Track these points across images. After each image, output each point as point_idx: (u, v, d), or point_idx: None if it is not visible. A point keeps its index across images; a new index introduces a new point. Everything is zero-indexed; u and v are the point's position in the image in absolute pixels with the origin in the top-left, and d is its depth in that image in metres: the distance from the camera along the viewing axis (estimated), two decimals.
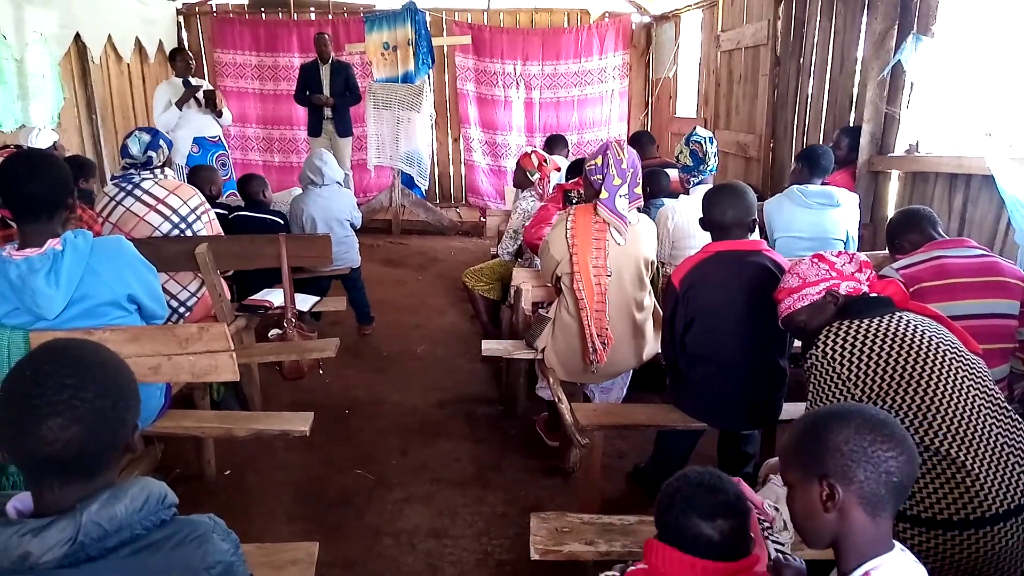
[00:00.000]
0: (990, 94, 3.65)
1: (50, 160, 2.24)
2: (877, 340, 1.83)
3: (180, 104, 6.21)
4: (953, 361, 1.80)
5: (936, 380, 1.76)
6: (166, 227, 3.32)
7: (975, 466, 1.70)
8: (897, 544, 1.27)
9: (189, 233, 3.37)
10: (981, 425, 1.74)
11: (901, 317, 1.88)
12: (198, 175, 4.35)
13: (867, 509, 1.24)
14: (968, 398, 1.76)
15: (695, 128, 3.90)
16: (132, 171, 3.34)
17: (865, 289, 2.03)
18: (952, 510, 1.70)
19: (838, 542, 1.27)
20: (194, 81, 6.38)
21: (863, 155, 4.48)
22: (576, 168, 4.06)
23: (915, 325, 1.86)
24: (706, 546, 1.46)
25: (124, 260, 2.28)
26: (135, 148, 3.32)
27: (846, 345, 1.85)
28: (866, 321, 1.87)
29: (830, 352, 1.87)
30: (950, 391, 1.76)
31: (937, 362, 1.79)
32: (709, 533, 1.46)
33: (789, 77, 5.61)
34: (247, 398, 3.63)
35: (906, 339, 1.82)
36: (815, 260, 2.11)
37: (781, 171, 5.66)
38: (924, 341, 1.82)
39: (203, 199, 3.51)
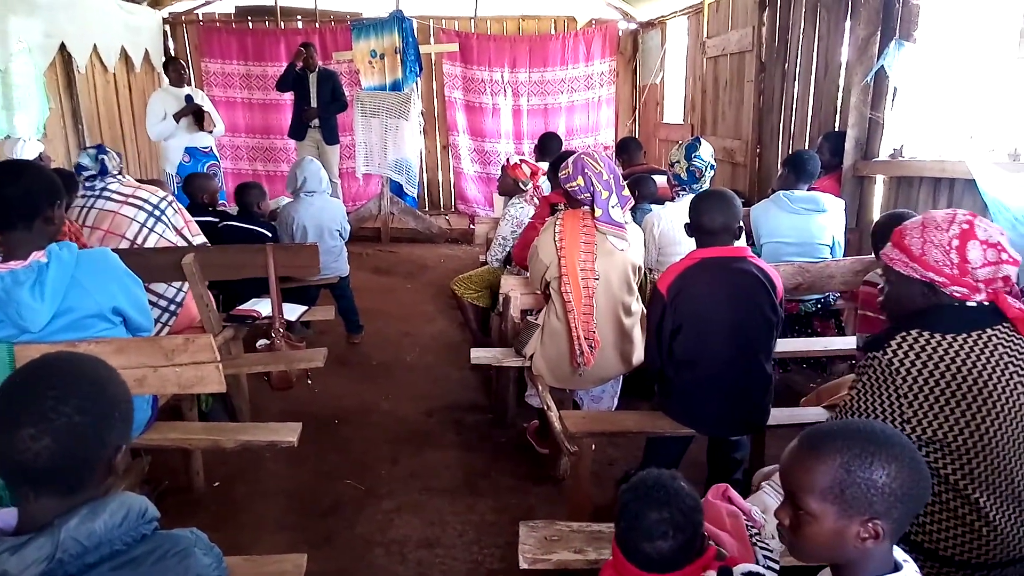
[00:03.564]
0: (972, 98, 3.68)
1: (30, 169, 2.24)
2: (951, 366, 1.67)
3: (178, 117, 6.22)
4: (1020, 399, 1.68)
5: (992, 424, 1.65)
6: (141, 216, 3.38)
7: (996, 515, 1.65)
8: (908, 564, 1.24)
9: (165, 219, 3.44)
10: (1019, 472, 1.66)
11: (988, 341, 1.69)
12: (192, 183, 4.38)
13: (892, 539, 1.21)
14: (1018, 443, 1.66)
15: (699, 142, 3.73)
16: (95, 180, 3.46)
17: (975, 302, 1.74)
18: (957, 550, 1.68)
19: (848, 563, 1.23)
20: (196, 98, 6.38)
21: (848, 160, 4.51)
22: (555, 167, 3.98)
23: (999, 352, 1.69)
24: (651, 563, 1.52)
25: (109, 272, 2.26)
26: (87, 160, 3.48)
27: (916, 362, 1.68)
28: (948, 338, 1.68)
29: (896, 363, 1.70)
30: (1001, 436, 1.65)
31: (1000, 402, 1.65)
32: (649, 552, 1.52)
33: (774, 83, 5.65)
34: (235, 409, 3.61)
35: (975, 368, 1.66)
36: (952, 247, 1.72)
37: (767, 176, 5.69)
38: (996, 374, 1.66)
39: (167, 192, 3.61)
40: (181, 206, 3.64)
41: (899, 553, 1.25)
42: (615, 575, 1.59)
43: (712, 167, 3.72)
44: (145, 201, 3.43)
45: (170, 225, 3.45)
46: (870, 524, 1.17)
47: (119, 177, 3.50)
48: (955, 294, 1.73)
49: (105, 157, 3.46)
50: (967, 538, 1.67)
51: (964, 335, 1.69)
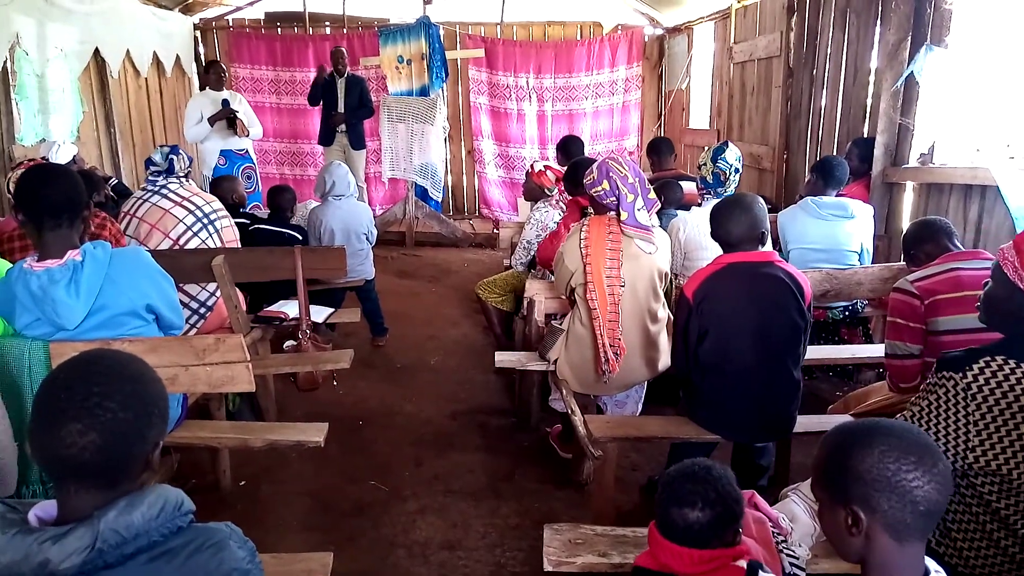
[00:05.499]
0: (1004, 105, 3.63)
1: (66, 171, 2.33)
2: None
3: (212, 121, 6.29)
4: None
5: None
6: (190, 220, 3.47)
7: None
8: (939, 573, 1.22)
9: (212, 228, 3.53)
10: None
11: None
12: (220, 185, 4.49)
13: (893, 536, 1.17)
14: None
15: (727, 145, 3.77)
16: (159, 177, 3.55)
17: None
18: (989, 573, 1.66)
19: (864, 563, 1.22)
20: (234, 101, 6.44)
21: (877, 166, 4.46)
22: (572, 173, 3.96)
23: None
24: (681, 532, 1.57)
25: (142, 270, 2.31)
26: (158, 156, 3.58)
27: (996, 390, 1.61)
28: None
29: (975, 389, 1.62)
30: None
31: None
32: (678, 520, 1.57)
33: (802, 88, 5.61)
34: (262, 409, 3.66)
35: None
36: None
37: (795, 182, 5.65)
38: None
39: (222, 206, 3.68)
40: (234, 224, 3.73)
41: (931, 563, 1.23)
42: (649, 556, 1.64)
43: (737, 171, 3.71)
44: (198, 207, 3.53)
45: (214, 236, 3.54)
46: (848, 509, 1.19)
47: (182, 180, 3.59)
48: None
49: (175, 158, 3.58)
50: (1006, 568, 1.64)
51: None
